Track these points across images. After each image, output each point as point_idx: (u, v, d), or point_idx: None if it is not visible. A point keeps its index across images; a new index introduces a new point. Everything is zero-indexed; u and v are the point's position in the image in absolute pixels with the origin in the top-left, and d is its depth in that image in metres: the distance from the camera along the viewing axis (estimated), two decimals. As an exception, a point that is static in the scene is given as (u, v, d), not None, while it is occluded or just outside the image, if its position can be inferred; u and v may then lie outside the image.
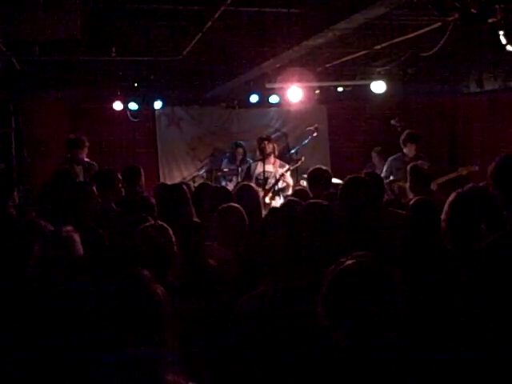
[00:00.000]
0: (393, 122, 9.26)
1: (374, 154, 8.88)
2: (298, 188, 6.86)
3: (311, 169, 5.64)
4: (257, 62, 6.93)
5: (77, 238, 3.09)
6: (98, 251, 3.64)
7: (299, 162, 8.05)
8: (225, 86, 8.49)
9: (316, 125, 8.37)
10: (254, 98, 9.10)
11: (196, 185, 7.07)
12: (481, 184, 4.44)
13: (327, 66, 7.81)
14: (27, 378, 2.54)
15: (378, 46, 6.43)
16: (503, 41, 4.59)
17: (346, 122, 10.60)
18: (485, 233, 3.66)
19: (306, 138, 8.39)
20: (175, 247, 3.33)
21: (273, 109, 10.27)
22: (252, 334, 2.82)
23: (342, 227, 3.99)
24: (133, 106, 8.90)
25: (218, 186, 6.66)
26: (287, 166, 7.97)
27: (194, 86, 8.94)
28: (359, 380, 1.94)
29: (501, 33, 4.55)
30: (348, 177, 4.36)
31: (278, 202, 7.50)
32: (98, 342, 2.02)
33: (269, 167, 8.02)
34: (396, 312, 2.01)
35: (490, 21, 4.19)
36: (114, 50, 6.09)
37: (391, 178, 7.21)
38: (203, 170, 9.75)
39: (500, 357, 2.34)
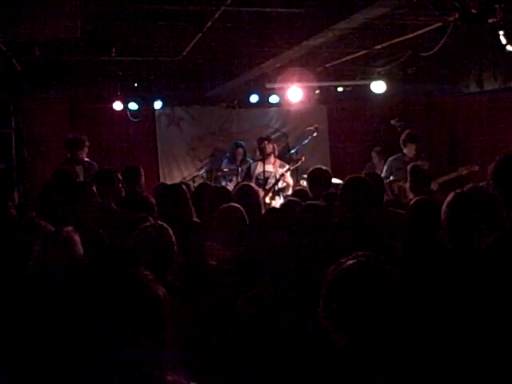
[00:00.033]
0: (393, 122, 9.25)
1: (373, 154, 8.88)
2: (297, 188, 6.86)
3: (311, 169, 5.64)
4: (257, 62, 6.93)
5: (77, 238, 3.09)
6: (97, 251, 3.64)
7: (299, 162, 8.05)
8: (225, 86, 8.49)
9: (316, 125, 8.37)
10: (254, 98, 9.10)
11: (196, 185, 7.07)
12: (481, 184, 4.44)
13: (327, 66, 7.82)
14: (27, 378, 2.54)
15: (378, 46, 6.43)
16: (503, 41, 4.59)
17: (346, 122, 10.59)
18: (484, 233, 3.67)
19: (306, 138, 8.39)
20: (175, 247, 3.33)
21: (273, 109, 10.26)
22: (252, 334, 2.82)
23: (342, 227, 3.99)
24: (133, 106, 8.90)
25: (218, 186, 6.66)
26: (287, 166, 7.97)
27: (194, 86, 8.94)
28: (360, 381, 1.94)
29: (501, 33, 4.55)
30: (348, 177, 4.36)
31: (278, 201, 7.51)
32: (99, 343, 2.01)
33: (269, 167, 8.02)
34: (397, 312, 2.01)
35: (490, 21, 4.19)
36: (114, 49, 6.11)
37: (391, 178, 7.21)
38: (203, 170, 9.75)
39: (501, 357, 2.34)
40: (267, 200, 7.60)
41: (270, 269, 3.04)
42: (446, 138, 10.46)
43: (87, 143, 7.17)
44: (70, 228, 3.15)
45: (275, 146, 8.31)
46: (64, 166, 6.59)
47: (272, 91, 8.79)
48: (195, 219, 4.62)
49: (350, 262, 2.07)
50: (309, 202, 4.39)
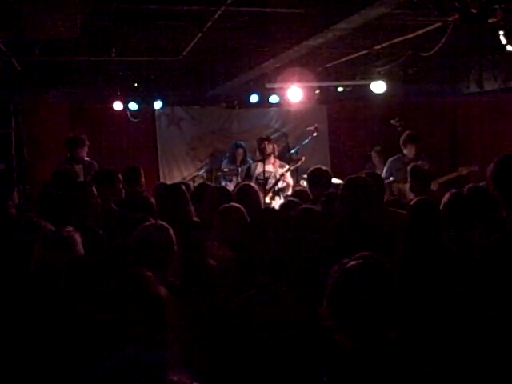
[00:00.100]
0: (393, 121, 9.25)
1: (373, 154, 8.88)
2: (297, 188, 6.87)
3: (311, 169, 5.64)
4: (257, 62, 6.93)
5: (78, 238, 3.09)
6: (97, 251, 3.64)
7: (299, 162, 8.05)
8: (225, 86, 8.49)
9: (316, 125, 8.38)
10: (254, 98, 9.10)
11: (196, 185, 7.07)
12: (481, 184, 4.45)
13: (327, 66, 7.82)
14: (28, 378, 2.54)
15: (378, 46, 6.43)
16: (503, 41, 4.59)
17: (345, 122, 10.59)
18: (484, 233, 3.67)
19: (306, 138, 8.39)
20: (175, 247, 3.33)
21: (273, 109, 10.26)
22: (252, 334, 2.82)
23: (343, 227, 4.00)
24: (133, 106, 8.90)
25: (218, 186, 6.66)
26: (287, 166, 7.98)
27: (194, 86, 8.94)
28: (361, 381, 1.94)
29: (501, 33, 4.55)
30: (348, 177, 4.36)
31: (278, 201, 7.51)
32: (100, 343, 2.02)
33: (269, 167, 8.02)
34: (399, 312, 2.01)
35: (490, 21, 4.19)
36: (113, 49, 6.11)
37: (391, 178, 7.21)
38: (203, 170, 9.75)
39: (501, 356, 2.34)
40: (267, 200, 7.61)
41: (269, 269, 3.04)
42: (446, 138, 10.46)
43: (87, 142, 7.17)
44: (70, 228, 3.15)
45: (275, 146, 8.32)
46: (64, 166, 6.59)
47: (272, 91, 8.79)
48: (195, 219, 4.62)
49: (353, 262, 2.07)
50: (304, 205, 4.38)
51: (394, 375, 1.94)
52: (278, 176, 7.88)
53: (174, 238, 3.33)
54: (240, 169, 8.78)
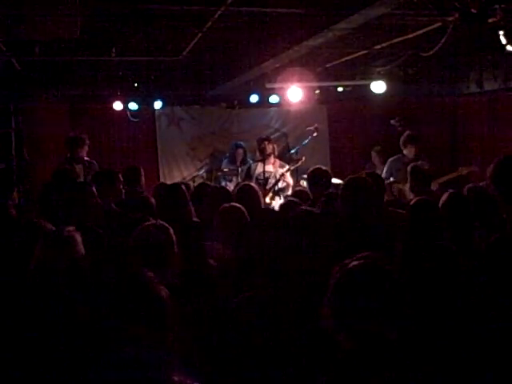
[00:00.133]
0: (393, 122, 9.25)
1: (373, 154, 8.88)
2: (297, 189, 6.87)
3: (311, 169, 5.64)
4: (257, 62, 6.93)
5: (78, 237, 3.09)
6: (97, 251, 3.64)
7: (299, 162, 8.06)
8: (225, 86, 8.49)
9: (316, 125, 8.38)
10: (254, 98, 9.09)
11: (196, 185, 7.07)
12: (481, 184, 4.45)
13: (327, 66, 7.81)
14: (28, 378, 2.54)
15: (378, 46, 6.43)
16: (503, 41, 4.59)
17: (345, 122, 10.59)
18: (485, 233, 3.67)
19: (306, 138, 8.39)
20: (175, 247, 3.33)
21: (273, 109, 10.26)
22: (252, 334, 2.82)
23: (343, 227, 4.00)
24: (133, 106, 8.89)
25: (218, 186, 6.66)
26: (287, 166, 7.98)
27: (194, 86, 8.93)
28: (361, 381, 1.94)
29: (501, 33, 4.55)
30: (349, 177, 4.36)
31: (278, 201, 7.51)
32: (101, 343, 2.02)
33: (269, 167, 8.03)
34: (401, 313, 2.01)
35: (490, 21, 4.19)
36: (113, 49, 6.11)
37: (391, 179, 7.21)
38: (203, 170, 9.75)
39: (501, 356, 2.34)
40: (267, 200, 7.61)
41: (269, 269, 3.04)
42: (446, 138, 10.46)
43: (87, 142, 7.18)
44: (71, 227, 3.15)
45: (275, 146, 8.32)
46: (64, 166, 6.59)
47: (272, 91, 8.79)
48: (195, 219, 4.62)
49: (355, 262, 2.07)
50: (303, 207, 4.38)
51: (394, 375, 1.93)
52: (278, 176, 7.88)
53: (174, 237, 3.33)
54: (240, 169, 8.78)
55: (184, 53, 6.45)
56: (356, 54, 6.97)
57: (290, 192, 7.56)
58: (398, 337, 1.99)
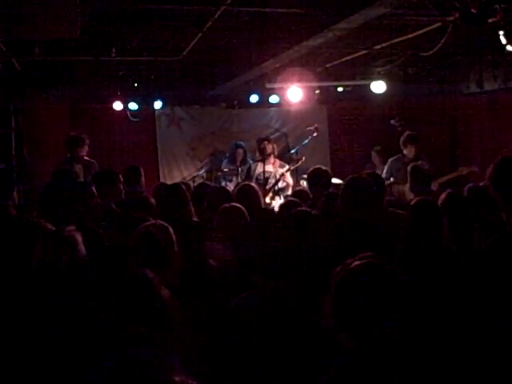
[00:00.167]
0: (393, 121, 9.25)
1: (373, 154, 8.88)
2: (297, 189, 6.87)
3: (311, 169, 5.65)
4: (257, 62, 6.93)
5: (79, 237, 3.09)
6: (98, 251, 3.64)
7: (299, 162, 8.06)
8: (225, 86, 8.49)
9: (316, 125, 8.38)
10: (254, 98, 9.09)
11: (196, 185, 7.07)
12: (481, 184, 4.45)
13: (327, 66, 7.82)
14: (28, 378, 2.54)
15: (378, 46, 6.43)
16: (503, 41, 4.59)
17: (346, 121, 10.58)
18: (483, 233, 3.68)
19: (306, 138, 8.40)
20: (175, 247, 3.33)
21: (273, 109, 10.26)
22: (252, 334, 2.82)
23: (343, 227, 3.99)
24: (133, 106, 8.89)
25: (218, 186, 6.66)
26: (287, 166, 7.99)
27: (194, 86, 8.94)
28: (363, 381, 1.94)
29: (501, 33, 4.55)
30: (349, 177, 4.36)
31: (278, 201, 7.51)
32: (102, 343, 2.02)
33: (269, 167, 8.03)
34: (403, 313, 2.00)
35: (490, 21, 4.19)
36: (113, 49, 6.11)
37: (391, 179, 7.21)
38: (203, 170, 9.75)
39: (502, 356, 2.34)
40: (267, 200, 7.61)
41: (268, 269, 3.04)
42: (446, 138, 10.46)
43: (87, 141, 7.18)
44: (71, 227, 3.15)
45: (275, 146, 8.32)
46: (64, 166, 6.59)
47: (272, 91, 8.79)
48: (195, 219, 4.62)
49: (358, 262, 2.06)
50: (299, 208, 4.39)
51: (395, 376, 1.93)
52: (278, 176, 7.88)
53: (174, 237, 3.33)
54: (240, 169, 8.78)
55: (184, 53, 6.46)
56: (356, 54, 6.97)
57: (289, 192, 7.56)
58: (399, 337, 1.99)
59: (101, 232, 4.08)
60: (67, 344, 2.57)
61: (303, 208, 4.39)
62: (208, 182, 7.12)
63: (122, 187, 5.36)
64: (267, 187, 7.80)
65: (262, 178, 7.95)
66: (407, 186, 5.83)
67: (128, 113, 9.15)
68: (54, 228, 3.37)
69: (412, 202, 3.79)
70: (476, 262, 3.05)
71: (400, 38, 5.89)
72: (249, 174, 8.27)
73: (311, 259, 3.25)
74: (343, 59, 7.32)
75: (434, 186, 6.27)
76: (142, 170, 6.04)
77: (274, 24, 5.32)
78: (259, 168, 8.14)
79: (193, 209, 4.67)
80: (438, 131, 10.27)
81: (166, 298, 2.07)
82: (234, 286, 3.49)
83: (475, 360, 2.40)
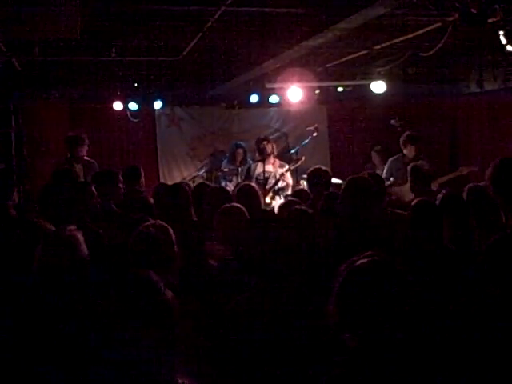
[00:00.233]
0: (393, 122, 9.25)
1: (373, 154, 8.89)
2: (297, 188, 6.87)
3: (311, 169, 5.65)
4: (257, 62, 6.93)
5: (80, 237, 3.08)
6: (98, 251, 3.64)
7: (299, 162, 8.06)
8: (225, 86, 8.49)
9: (316, 125, 8.39)
10: (254, 98, 9.10)
11: (195, 185, 7.07)
12: (481, 184, 4.45)
13: (327, 66, 7.81)
14: (28, 377, 2.54)
15: (378, 46, 6.43)
16: (503, 41, 4.58)
17: (345, 121, 10.59)
18: (482, 233, 3.68)
19: (306, 138, 8.40)
20: (175, 247, 3.33)
21: (273, 109, 10.26)
22: (252, 334, 2.82)
23: (343, 227, 4.00)
24: (133, 106, 8.89)
25: (217, 186, 6.67)
26: (287, 166, 7.99)
27: (194, 86, 8.94)
28: (365, 381, 1.93)
29: (501, 33, 4.55)
30: (350, 177, 4.36)
31: (278, 201, 7.52)
32: (104, 344, 2.01)
33: (269, 167, 8.04)
34: (408, 312, 1.99)
35: (489, 21, 4.19)
36: (113, 49, 6.11)
37: (391, 179, 7.22)
38: (203, 170, 9.75)
39: (502, 356, 2.34)
40: (267, 200, 7.61)
41: (268, 269, 3.04)
42: (446, 138, 10.46)
43: (87, 141, 7.18)
44: (72, 227, 3.15)
45: (274, 145, 8.33)
46: (64, 166, 6.59)
47: (272, 91, 8.79)
48: (195, 219, 4.62)
49: (363, 260, 2.05)
50: (297, 206, 4.39)
51: (397, 375, 1.93)
52: (277, 176, 7.88)
53: (173, 237, 3.33)
54: (240, 169, 8.78)
55: (184, 53, 6.45)
56: (356, 54, 6.97)
57: (289, 192, 7.56)
58: (402, 336, 1.98)
59: (101, 232, 4.09)
60: (68, 344, 2.57)
61: (301, 206, 4.39)
62: (208, 182, 7.12)
63: (121, 187, 5.36)
64: (267, 187, 7.81)
65: (261, 177, 7.95)
66: (407, 186, 5.83)
67: (128, 113, 9.15)
68: (53, 228, 3.37)
69: (412, 203, 3.79)
70: (476, 262, 3.05)
71: (400, 38, 5.89)
72: (249, 174, 8.27)
73: (311, 259, 3.25)
74: (343, 59, 7.32)
75: (434, 186, 6.27)
76: (141, 169, 6.04)
77: (274, 24, 5.31)
78: (259, 168, 8.14)
79: (193, 209, 4.67)
80: (438, 131, 10.27)
81: (169, 301, 2.07)
82: (234, 286, 3.49)
83: (476, 360, 2.40)
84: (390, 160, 7.55)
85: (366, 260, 2.05)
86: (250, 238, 3.83)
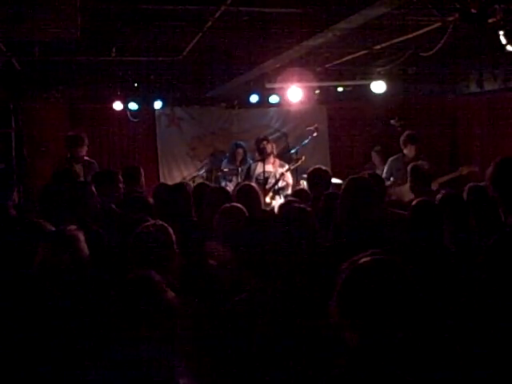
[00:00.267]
0: (393, 122, 9.25)
1: (373, 154, 8.89)
2: (297, 188, 6.87)
3: (311, 169, 5.65)
4: (257, 62, 6.93)
5: (81, 236, 3.09)
6: (98, 251, 3.64)
7: (299, 162, 8.06)
8: (225, 86, 8.49)
9: (316, 125, 8.39)
10: (254, 98, 9.09)
11: (195, 185, 7.07)
12: (481, 184, 4.45)
13: (327, 66, 7.81)
14: (29, 377, 2.54)
15: (378, 46, 6.43)
16: (503, 41, 4.58)
17: (345, 122, 10.59)
18: (482, 233, 3.68)
19: (306, 138, 8.40)
20: (175, 247, 3.33)
21: (273, 109, 10.26)
22: (251, 334, 2.83)
23: (343, 227, 3.99)
24: (133, 106, 8.90)
25: (217, 186, 6.67)
26: (287, 166, 7.99)
27: (194, 86, 8.94)
28: (365, 381, 1.93)
29: (501, 33, 4.55)
30: (350, 177, 4.35)
31: (278, 201, 7.52)
32: (105, 343, 2.02)
33: (269, 167, 8.04)
34: (412, 310, 1.99)
35: (490, 21, 4.19)
36: (114, 50, 6.11)
37: (391, 179, 7.22)
38: (203, 170, 9.75)
39: (503, 356, 2.34)
40: (267, 200, 7.61)
41: (268, 269, 3.04)
42: (446, 138, 10.46)
43: (87, 141, 7.18)
44: (73, 227, 3.15)
45: (274, 145, 8.33)
46: (64, 166, 6.59)
47: (272, 91, 8.79)
48: (195, 219, 4.62)
49: (366, 259, 2.04)
50: (295, 204, 4.38)
51: (396, 375, 1.93)
52: (277, 176, 7.89)
53: (173, 237, 3.33)
54: (240, 169, 8.78)
55: (184, 53, 6.45)
56: (356, 54, 6.97)
57: (289, 191, 7.57)
58: (404, 336, 1.97)
59: (101, 232, 4.09)
60: (69, 344, 2.57)
61: (299, 205, 4.38)
62: (208, 182, 7.12)
63: (121, 187, 5.36)
64: (267, 187, 7.81)
65: (261, 177, 7.95)
66: (407, 186, 5.83)
67: (128, 113, 9.16)
68: (53, 228, 3.37)
69: (412, 203, 3.79)
70: (476, 262, 3.05)
71: (400, 38, 5.89)
72: (249, 174, 8.27)
73: (311, 259, 3.25)
74: (343, 59, 7.32)
75: (434, 186, 6.27)
76: (141, 169, 6.04)
77: (274, 24, 5.31)
78: (259, 168, 8.14)
79: (193, 209, 4.68)
80: (438, 131, 10.27)
81: (170, 301, 2.07)
82: (234, 286, 3.49)
83: (476, 360, 2.40)
84: (390, 160, 7.56)
85: (368, 258, 2.03)
86: (250, 237, 3.84)
